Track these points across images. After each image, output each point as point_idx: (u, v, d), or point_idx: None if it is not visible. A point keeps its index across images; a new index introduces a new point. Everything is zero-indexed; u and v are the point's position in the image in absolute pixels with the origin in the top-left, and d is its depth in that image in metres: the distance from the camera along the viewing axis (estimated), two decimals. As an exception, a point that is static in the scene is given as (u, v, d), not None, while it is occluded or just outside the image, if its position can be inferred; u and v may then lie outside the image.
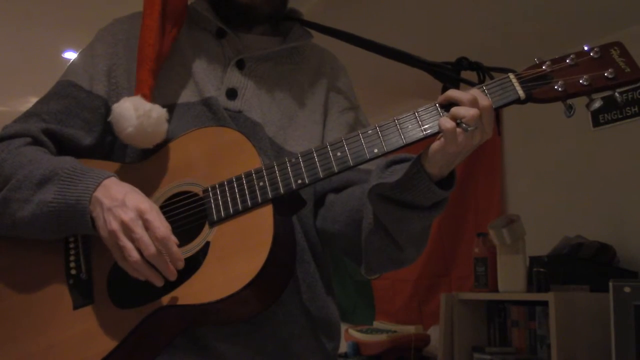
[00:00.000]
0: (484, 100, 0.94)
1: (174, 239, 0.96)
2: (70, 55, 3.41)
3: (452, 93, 0.95)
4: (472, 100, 0.93)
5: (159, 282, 0.97)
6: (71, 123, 1.13)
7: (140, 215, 0.96)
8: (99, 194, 0.99)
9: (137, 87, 1.09)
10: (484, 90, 0.97)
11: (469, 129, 0.91)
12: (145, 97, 1.08)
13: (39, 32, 3.17)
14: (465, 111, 0.92)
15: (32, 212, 1.01)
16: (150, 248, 0.94)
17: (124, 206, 0.96)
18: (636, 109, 2.80)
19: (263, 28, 1.25)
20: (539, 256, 2.69)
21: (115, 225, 0.95)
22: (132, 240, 0.95)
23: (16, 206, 1.03)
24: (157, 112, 1.07)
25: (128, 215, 0.95)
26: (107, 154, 1.15)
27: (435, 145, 0.95)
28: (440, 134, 0.94)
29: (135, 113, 1.05)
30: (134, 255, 0.94)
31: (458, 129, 0.92)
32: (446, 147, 0.94)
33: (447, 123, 0.93)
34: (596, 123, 2.96)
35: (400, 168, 1.00)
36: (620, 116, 2.86)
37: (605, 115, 2.92)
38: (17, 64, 3.55)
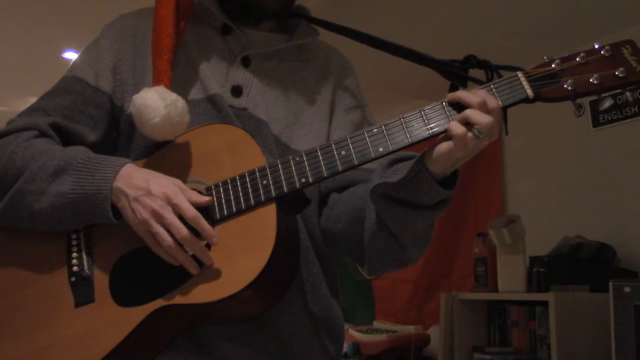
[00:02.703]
0: (493, 102, 0.93)
1: (204, 200, 0.99)
2: (70, 55, 3.40)
3: (461, 94, 0.94)
4: (481, 103, 0.92)
5: (194, 270, 0.98)
6: (77, 119, 1.12)
7: (169, 201, 0.97)
8: (120, 184, 0.99)
9: (157, 78, 1.08)
10: (491, 89, 0.96)
11: (481, 136, 0.91)
12: (167, 88, 1.07)
13: (39, 32, 3.17)
14: (479, 117, 0.91)
15: (50, 204, 1.01)
16: (183, 231, 0.96)
17: (150, 194, 0.97)
18: (636, 109, 2.80)
19: (269, 24, 1.24)
20: (539, 256, 2.69)
21: (145, 214, 0.97)
22: (164, 226, 0.96)
23: (32, 198, 1.02)
24: (182, 102, 1.06)
25: (157, 203, 0.97)
26: (111, 151, 1.14)
27: (443, 148, 0.94)
28: (442, 135, 0.94)
29: (162, 102, 1.03)
30: (168, 239, 0.96)
31: (469, 134, 0.91)
32: (455, 151, 0.93)
33: (459, 128, 0.92)
34: (596, 123, 2.96)
35: (402, 167, 1.00)
36: (620, 116, 2.86)
37: (605, 115, 2.92)
38: (17, 64, 3.54)
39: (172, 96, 1.05)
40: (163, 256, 0.98)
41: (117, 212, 1.01)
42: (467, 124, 0.93)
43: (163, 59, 1.09)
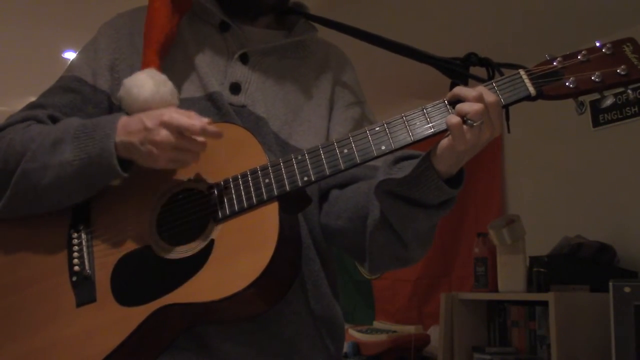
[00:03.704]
0: (490, 96, 0.93)
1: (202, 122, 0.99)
2: (70, 55, 3.40)
3: (459, 90, 0.95)
4: (477, 97, 0.92)
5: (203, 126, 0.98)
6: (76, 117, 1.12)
7: (166, 126, 0.97)
8: (122, 137, 1.00)
9: (145, 65, 1.08)
10: (493, 87, 0.96)
11: (474, 124, 0.91)
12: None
13: (39, 32, 3.16)
14: (469, 107, 0.92)
15: (57, 175, 1.01)
16: (194, 126, 0.97)
17: (149, 131, 0.98)
18: (636, 109, 2.80)
19: (267, 21, 1.24)
20: (539, 256, 2.69)
21: (158, 151, 0.97)
22: (180, 146, 0.98)
23: (37, 175, 1.02)
24: (171, 84, 1.07)
25: (160, 136, 0.97)
26: None
27: (444, 142, 0.95)
28: (449, 132, 0.94)
29: (151, 80, 1.04)
30: (196, 144, 0.99)
31: (465, 126, 0.92)
32: (455, 144, 0.93)
33: (453, 119, 0.92)
34: (596, 123, 2.96)
35: (408, 164, 1.00)
36: (620, 116, 2.87)
37: (605, 115, 2.92)
38: (17, 64, 3.54)
39: (162, 76, 1.06)
40: (195, 154, 1.00)
41: (124, 165, 1.01)
42: (463, 116, 0.93)
43: (152, 50, 1.09)
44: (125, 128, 1.00)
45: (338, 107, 1.23)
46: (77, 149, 1.00)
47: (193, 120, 0.98)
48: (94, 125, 1.02)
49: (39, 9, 2.91)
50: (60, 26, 3.08)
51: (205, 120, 0.99)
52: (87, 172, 1.01)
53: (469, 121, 0.91)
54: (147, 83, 1.04)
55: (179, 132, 0.98)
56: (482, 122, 0.92)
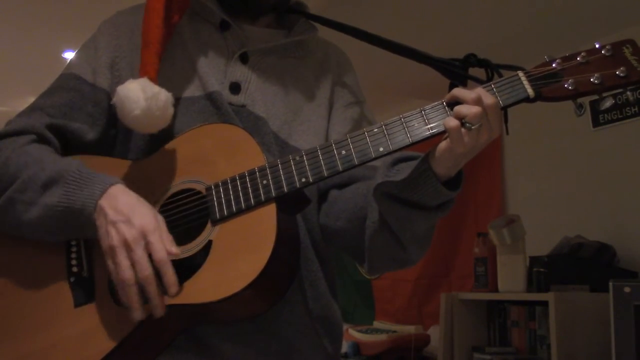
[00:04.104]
0: (489, 99, 0.93)
1: (175, 252, 0.95)
2: (70, 55, 3.40)
3: (457, 92, 0.95)
4: (476, 99, 0.92)
5: (138, 315, 0.95)
6: (75, 117, 1.12)
7: (144, 236, 0.94)
8: (105, 202, 0.97)
9: (143, 70, 1.07)
10: (492, 89, 0.96)
11: (472, 127, 0.91)
12: (151, 80, 1.06)
13: (39, 32, 3.16)
14: (467, 109, 0.92)
15: (38, 215, 1.01)
16: (145, 271, 0.93)
17: (128, 222, 0.95)
18: (636, 109, 2.80)
19: (268, 20, 1.24)
20: (539, 256, 2.69)
21: (116, 241, 0.94)
22: (130, 259, 0.94)
23: (22, 208, 1.02)
24: (165, 95, 1.05)
25: (131, 234, 0.94)
26: (110, 149, 1.14)
27: (443, 145, 0.94)
28: (447, 134, 0.94)
29: (143, 95, 1.02)
30: (128, 274, 0.93)
31: (463, 129, 0.91)
32: (453, 146, 0.93)
33: (451, 122, 0.92)
34: (596, 123, 2.96)
35: (406, 166, 1.00)
36: (620, 116, 2.86)
37: (605, 115, 2.92)
38: (17, 63, 3.54)
39: (155, 89, 1.04)
40: (117, 287, 0.96)
41: None
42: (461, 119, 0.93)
43: (150, 51, 1.08)
44: (113, 199, 0.98)
45: (337, 107, 1.23)
46: (63, 196, 1.00)
47: (165, 257, 0.94)
48: (90, 178, 1.01)
49: (39, 9, 2.91)
50: (60, 26, 3.08)
51: (175, 252, 0.95)
52: (66, 220, 1.00)
53: (467, 124, 0.91)
54: (139, 98, 1.02)
55: (148, 250, 0.94)
56: (480, 125, 0.91)
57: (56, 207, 0.99)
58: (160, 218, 0.98)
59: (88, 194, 0.99)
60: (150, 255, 0.94)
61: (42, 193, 1.01)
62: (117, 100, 1.04)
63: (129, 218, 0.95)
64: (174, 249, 0.96)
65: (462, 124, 0.92)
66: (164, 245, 0.95)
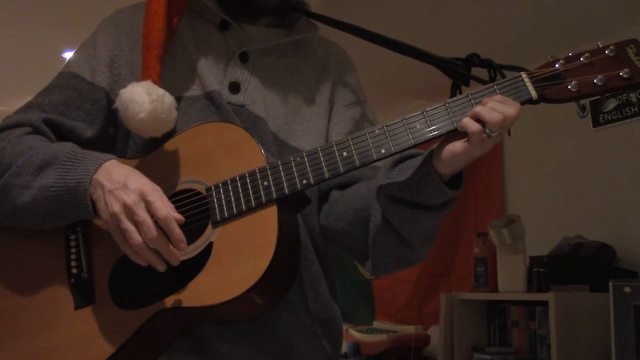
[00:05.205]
0: (511, 109, 0.92)
1: (178, 217, 0.95)
2: (70, 55, 3.40)
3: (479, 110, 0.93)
4: (499, 100, 0.92)
5: (160, 267, 0.96)
6: (73, 115, 1.11)
7: (143, 197, 0.95)
8: (100, 176, 0.98)
9: (145, 74, 1.06)
10: (495, 90, 0.95)
11: (492, 134, 0.90)
12: (154, 83, 1.05)
13: (39, 32, 3.16)
14: (490, 115, 0.90)
15: (33, 197, 1.00)
16: (152, 231, 0.93)
17: (126, 188, 0.95)
18: (636, 109, 2.79)
19: (268, 20, 1.23)
20: (539, 256, 2.69)
21: (117, 208, 0.95)
22: (135, 223, 0.94)
23: (16, 192, 1.01)
24: (169, 98, 1.05)
25: (130, 198, 0.94)
26: (108, 148, 1.13)
27: (459, 148, 0.93)
28: (451, 133, 0.93)
29: (148, 98, 1.02)
30: (136, 238, 0.94)
31: (483, 134, 0.90)
32: (472, 150, 0.92)
33: (473, 125, 0.91)
34: (596, 123, 2.96)
35: (406, 166, 0.99)
36: (620, 116, 2.86)
37: (605, 115, 2.91)
38: (17, 64, 3.54)
39: (159, 91, 1.04)
40: (129, 255, 0.96)
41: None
42: (479, 121, 0.92)
43: (152, 54, 1.07)
44: (107, 172, 0.98)
45: (338, 106, 1.22)
46: (58, 176, 0.99)
47: (169, 214, 0.94)
48: (83, 156, 1.01)
49: (39, 9, 2.90)
50: (60, 26, 3.08)
51: (178, 217, 0.95)
52: (61, 201, 0.99)
53: (487, 131, 0.90)
54: (144, 101, 1.01)
55: (150, 211, 0.94)
56: (500, 134, 0.90)
57: (51, 187, 0.99)
58: (157, 186, 0.98)
59: (83, 170, 0.99)
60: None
61: (36, 176, 1.01)
62: (121, 104, 1.04)
63: (125, 184, 0.96)
64: (176, 214, 0.96)
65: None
66: (163, 204, 0.95)
